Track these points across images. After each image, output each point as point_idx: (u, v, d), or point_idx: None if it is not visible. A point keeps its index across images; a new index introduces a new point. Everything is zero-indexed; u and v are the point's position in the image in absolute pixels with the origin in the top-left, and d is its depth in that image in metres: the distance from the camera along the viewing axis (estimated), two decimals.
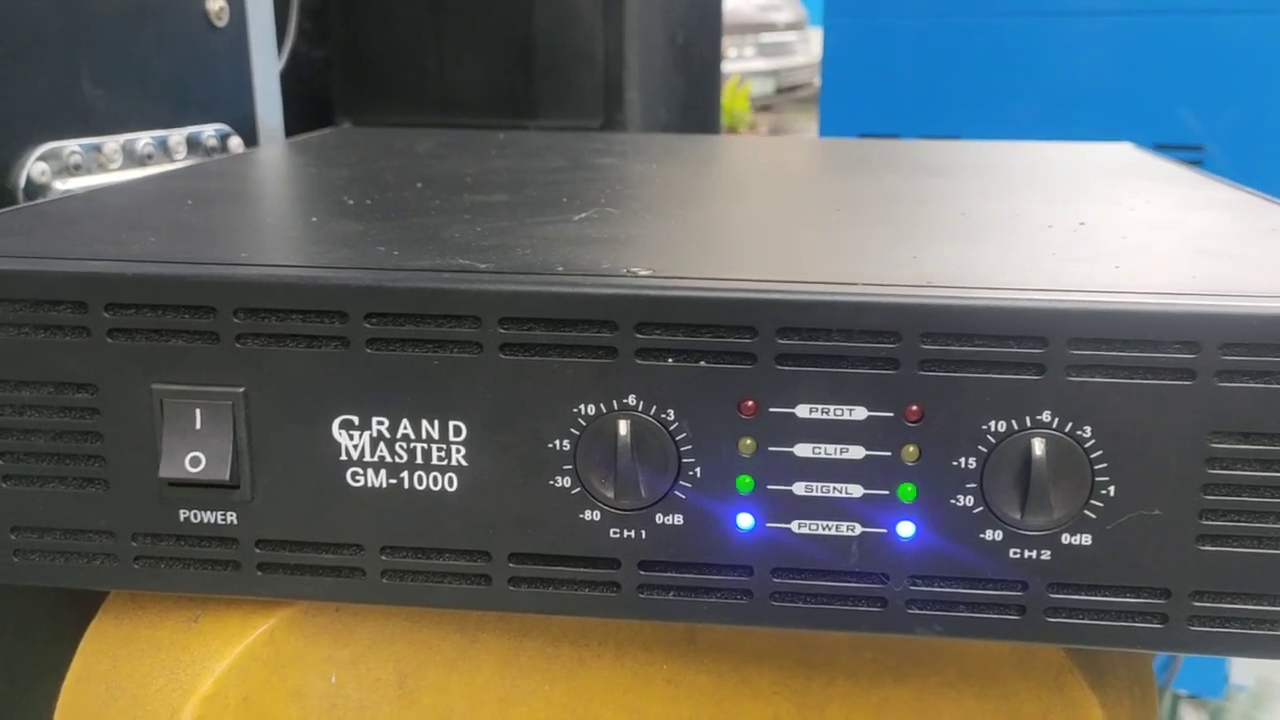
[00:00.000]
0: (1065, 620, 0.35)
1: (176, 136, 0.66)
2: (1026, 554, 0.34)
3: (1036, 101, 1.21)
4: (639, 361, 0.34)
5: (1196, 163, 1.08)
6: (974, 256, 0.39)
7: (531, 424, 0.35)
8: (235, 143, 0.70)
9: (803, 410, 0.34)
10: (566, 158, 0.62)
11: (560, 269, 0.36)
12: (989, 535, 0.34)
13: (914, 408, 0.34)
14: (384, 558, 0.36)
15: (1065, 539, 0.34)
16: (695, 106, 1.18)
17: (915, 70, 1.27)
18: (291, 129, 0.77)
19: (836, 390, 0.34)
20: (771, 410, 0.34)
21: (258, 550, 0.37)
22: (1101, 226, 0.44)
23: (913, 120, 1.25)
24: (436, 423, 0.35)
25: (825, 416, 0.34)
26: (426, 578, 0.37)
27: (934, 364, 0.33)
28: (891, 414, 0.34)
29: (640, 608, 0.36)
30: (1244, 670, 1.23)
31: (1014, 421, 0.33)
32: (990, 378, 0.33)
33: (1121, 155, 0.66)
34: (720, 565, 0.35)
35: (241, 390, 0.36)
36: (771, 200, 0.55)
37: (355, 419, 0.36)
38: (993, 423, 0.33)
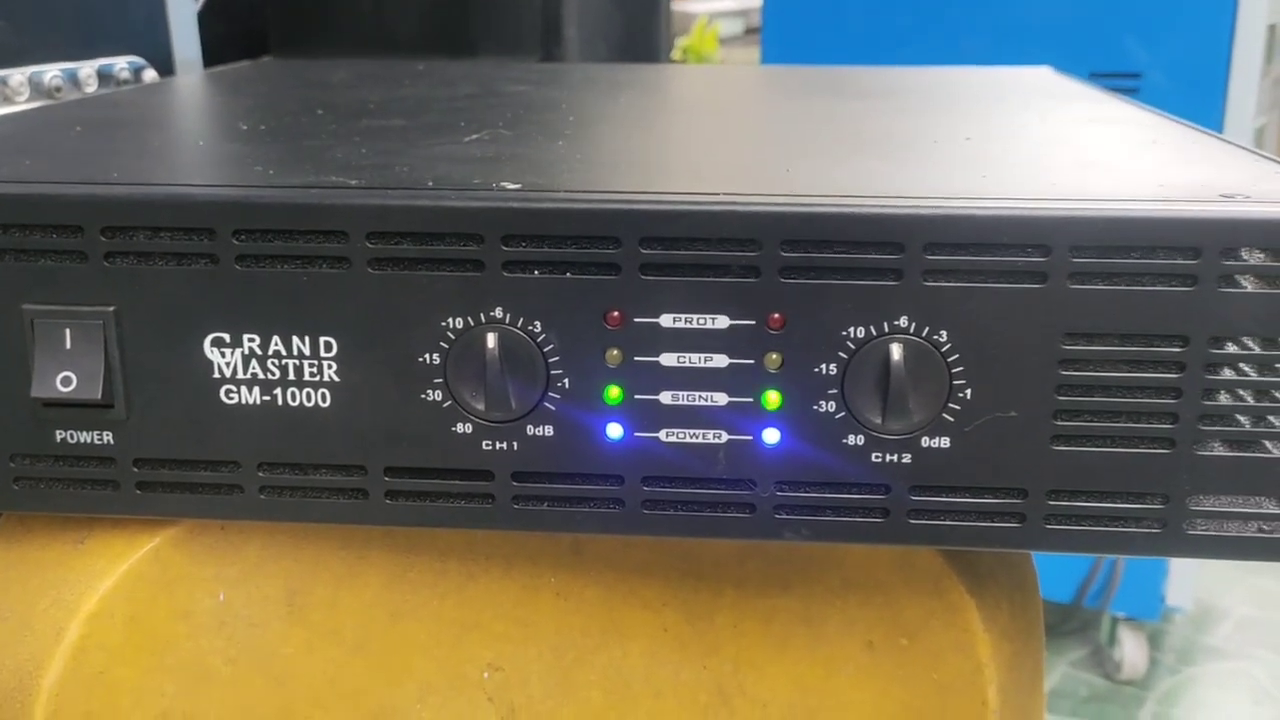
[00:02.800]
0: (927, 522, 0.35)
1: (87, 69, 0.65)
2: (888, 458, 0.35)
3: (979, 32, 1.21)
4: (505, 274, 0.34)
5: (1131, 90, 1.08)
6: (848, 169, 0.39)
7: (401, 338, 0.35)
8: (150, 76, 0.69)
9: (667, 320, 0.34)
10: (479, 86, 0.62)
11: (430, 184, 0.36)
12: (851, 440, 0.35)
13: (776, 315, 0.34)
14: (261, 474, 0.37)
15: (925, 442, 0.34)
16: (636, 43, 1.17)
17: (859, 2, 1.26)
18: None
19: (699, 299, 0.34)
20: (636, 320, 0.35)
21: (136, 469, 0.37)
22: (988, 141, 0.44)
23: (855, 54, 1.25)
24: (307, 339, 0.36)
25: (689, 326, 0.34)
26: (304, 493, 0.37)
27: (794, 271, 0.34)
28: (754, 322, 0.34)
29: (515, 518, 0.36)
30: (1179, 592, 1.26)
31: (873, 327, 0.34)
32: (849, 284, 0.34)
33: (1038, 78, 0.66)
34: (591, 475, 0.36)
35: (112, 309, 0.36)
36: (670, 122, 0.55)
37: (226, 336, 0.36)
38: (852, 329, 0.34)
